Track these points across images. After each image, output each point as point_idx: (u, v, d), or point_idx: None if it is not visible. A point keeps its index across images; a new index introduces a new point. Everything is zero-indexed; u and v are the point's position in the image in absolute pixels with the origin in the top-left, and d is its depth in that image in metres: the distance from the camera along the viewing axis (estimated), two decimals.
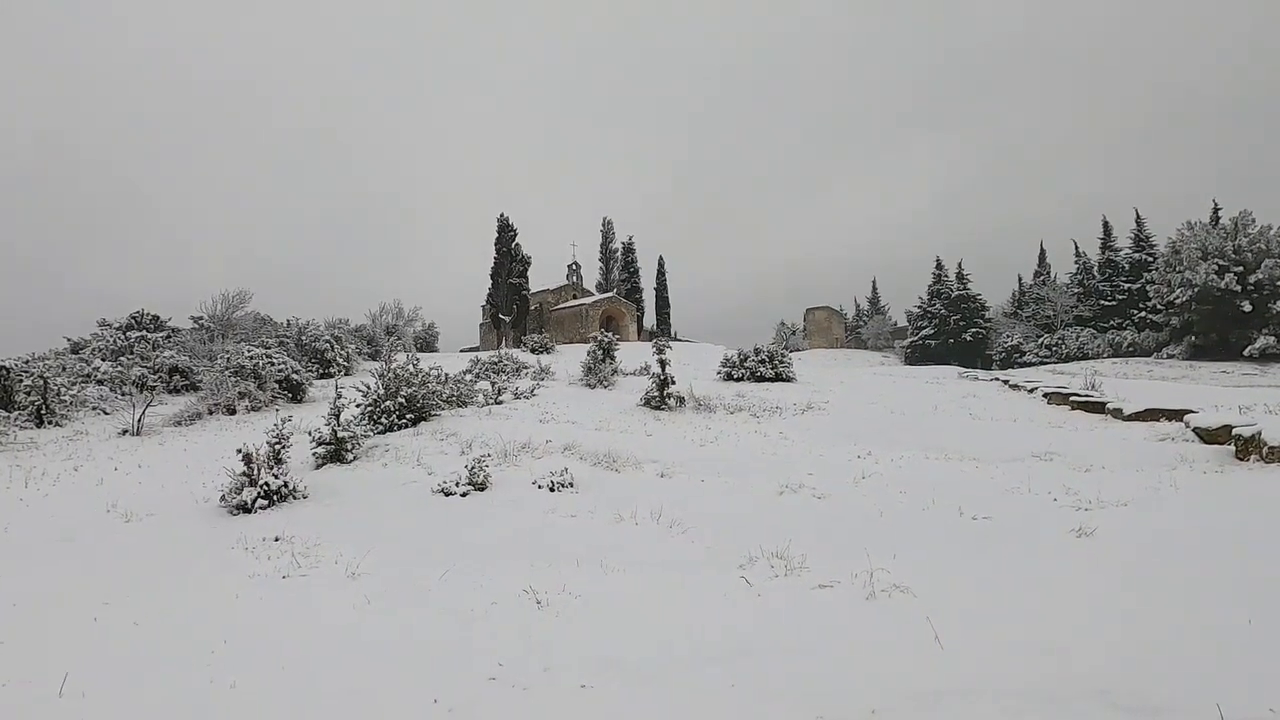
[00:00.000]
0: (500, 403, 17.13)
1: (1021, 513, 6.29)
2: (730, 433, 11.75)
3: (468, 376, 20.99)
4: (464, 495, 8.38)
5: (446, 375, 17.38)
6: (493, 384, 17.41)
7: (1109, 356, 48.91)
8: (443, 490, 8.47)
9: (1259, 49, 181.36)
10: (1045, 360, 52.63)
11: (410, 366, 14.06)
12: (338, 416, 11.10)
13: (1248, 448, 7.94)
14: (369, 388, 13.52)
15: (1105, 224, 57.52)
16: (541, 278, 57.65)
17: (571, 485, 8.58)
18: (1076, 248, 60.35)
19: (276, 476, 8.50)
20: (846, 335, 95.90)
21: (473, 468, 8.68)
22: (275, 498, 8.40)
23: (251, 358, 19.70)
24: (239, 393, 18.31)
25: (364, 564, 5.40)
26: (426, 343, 52.55)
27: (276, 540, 6.51)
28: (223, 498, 8.36)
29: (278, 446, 8.85)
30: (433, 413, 14.06)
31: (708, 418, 13.54)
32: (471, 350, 51.65)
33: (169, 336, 27.79)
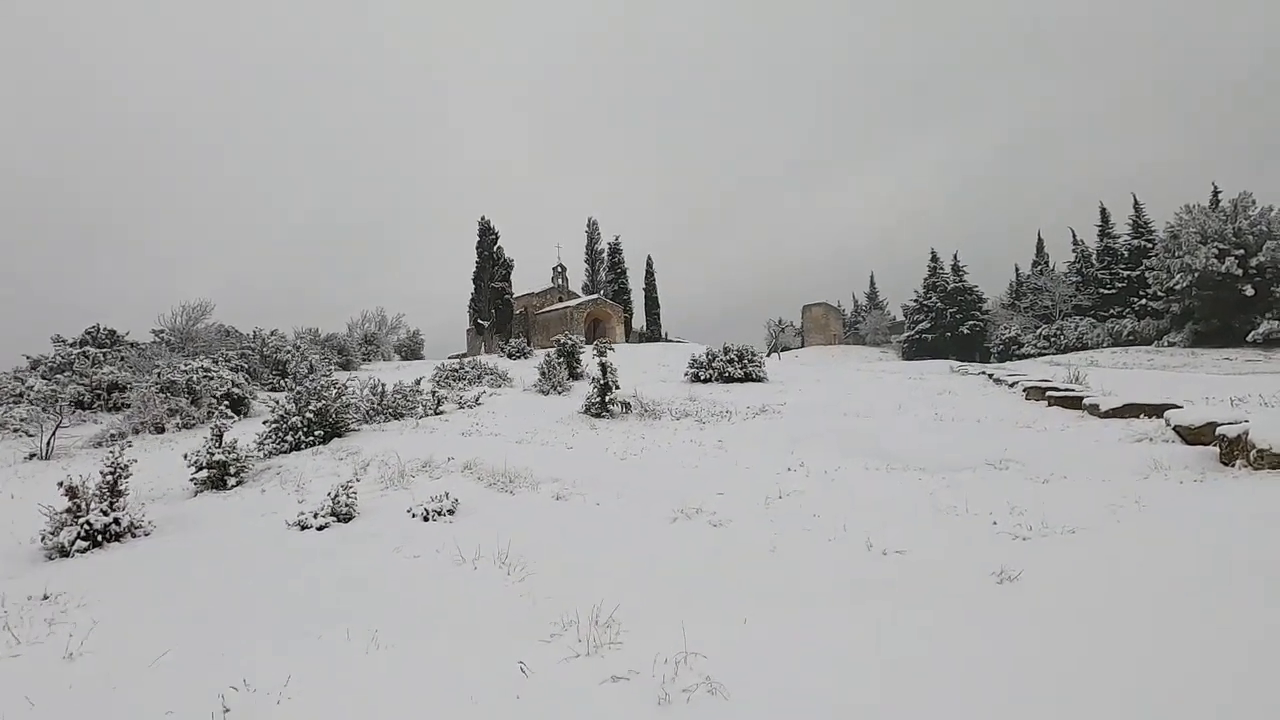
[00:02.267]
0: (440, 413, 16.00)
1: (945, 544, 5.08)
2: (663, 443, 10.57)
3: (424, 385, 19.90)
4: (321, 528, 7.22)
5: (384, 387, 16.29)
6: (433, 394, 16.25)
7: (1109, 346, 47.50)
8: (299, 523, 7.32)
9: (1255, 33, 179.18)
10: (1044, 352, 51.23)
11: (324, 379, 12.94)
12: (220, 438, 9.96)
13: (1233, 450, 6.71)
14: (278, 403, 12.41)
15: (1103, 210, 56.09)
16: (533, 282, 56.63)
17: (451, 513, 7.42)
18: (1074, 236, 59.01)
19: (106, 512, 7.35)
20: (845, 331, 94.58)
21: (336, 496, 7.52)
22: (104, 537, 7.26)
23: (185, 372, 18.62)
24: (168, 410, 17.25)
25: (93, 639, 4.25)
26: (412, 350, 51.51)
27: (45, 599, 5.37)
28: (43, 538, 7.23)
29: (112, 477, 7.69)
30: (350, 428, 12.93)
31: (648, 425, 12.35)
32: (459, 356, 50.54)
33: (119, 351, 26.74)
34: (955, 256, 65.15)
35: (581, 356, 25.35)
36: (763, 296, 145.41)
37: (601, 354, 14.09)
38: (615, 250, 57.11)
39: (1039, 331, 53.18)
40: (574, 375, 22.21)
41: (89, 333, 27.67)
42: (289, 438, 11.78)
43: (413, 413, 15.84)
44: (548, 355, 19.90)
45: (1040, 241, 65.94)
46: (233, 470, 9.79)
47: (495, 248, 49.65)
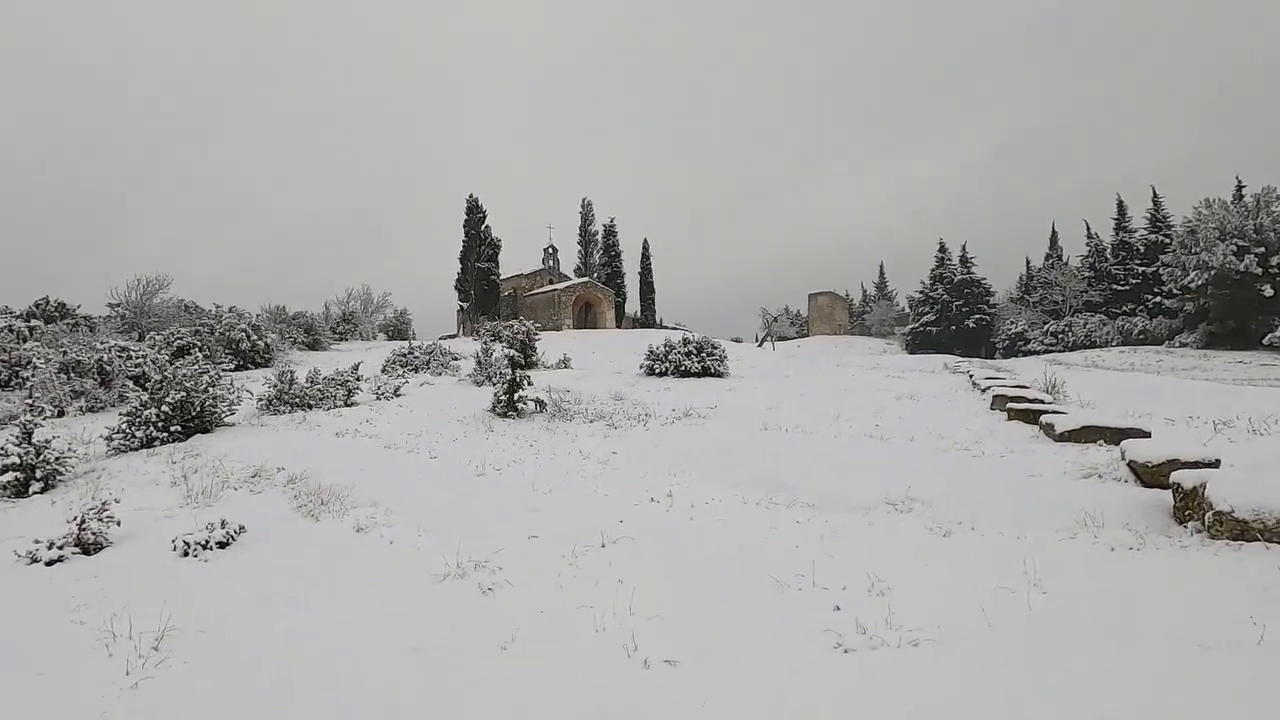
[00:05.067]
0: (351, 404, 14.67)
1: (742, 650, 3.62)
2: (544, 455, 9.13)
3: (364, 371, 18.60)
4: (53, 563, 5.89)
5: (292, 375, 14.96)
6: (344, 384, 14.90)
7: (1118, 345, 45.37)
8: (30, 555, 5.99)
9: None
10: (1050, 348, 49.16)
11: (192, 366, 11.60)
12: (29, 436, 8.65)
13: (1188, 504, 5.16)
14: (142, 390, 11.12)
15: (1119, 203, 53.54)
16: (529, 267, 54.80)
17: (222, 545, 6.05)
18: (1088, 229, 56.53)
19: None
20: (851, 322, 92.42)
21: (83, 520, 6.17)
22: None
23: (97, 351, 17.42)
24: (72, 391, 16.06)
25: None
26: (398, 330, 50.31)
27: None
28: None
29: None
30: (224, 422, 11.62)
31: (552, 430, 10.91)
32: (449, 337, 49.29)
33: (68, 324, 25.67)
34: (964, 248, 62.87)
35: (538, 344, 23.96)
36: (780, 285, 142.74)
37: (511, 345, 12.64)
38: (610, 232, 55.36)
39: (1046, 327, 51.02)
40: (528, 364, 20.87)
41: (37, 304, 26.61)
42: (139, 433, 10.47)
43: (323, 404, 14.53)
44: (483, 343, 18.44)
45: (1054, 233, 63.40)
46: (39, 474, 8.49)
47: (483, 226, 48.20)
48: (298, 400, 14.34)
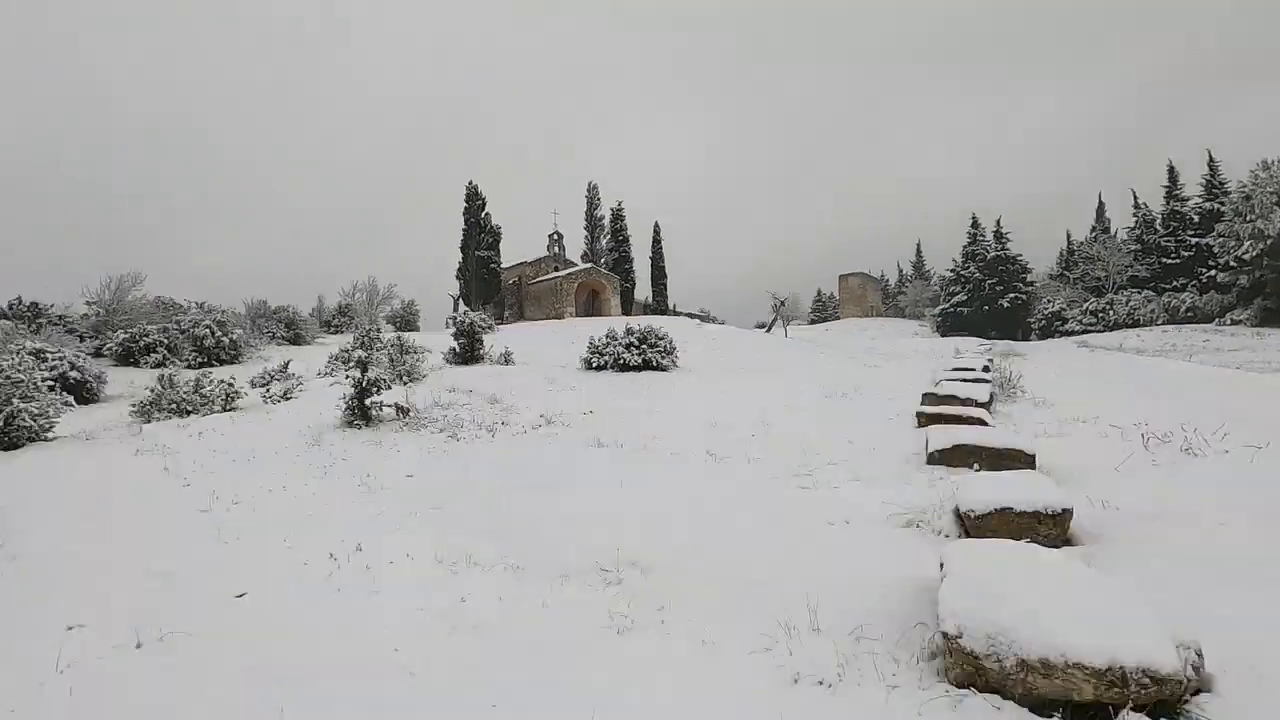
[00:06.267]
0: (232, 409, 13.57)
1: None
2: (331, 477, 7.73)
3: (293, 368, 17.66)
4: None
5: (170, 378, 13.96)
6: (222, 385, 13.81)
7: (1163, 323, 41.53)
8: None
9: None
10: (1089, 329, 45.47)
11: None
12: None
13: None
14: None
15: (1170, 169, 48.95)
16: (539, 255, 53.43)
17: None
18: (1135, 198, 52.05)
19: None
20: (886, 303, 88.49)
21: None
22: None
23: (10, 354, 16.84)
24: None
25: None
26: (406, 321, 49.82)
27: None
28: None
29: None
30: (44, 435, 10.59)
31: (378, 445, 9.50)
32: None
33: (38, 327, 25.55)
34: (998, 222, 58.90)
35: (485, 337, 22.61)
36: (826, 263, 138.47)
37: (362, 345, 11.24)
38: (618, 216, 53.58)
39: (1085, 306, 47.20)
40: (474, 358, 19.63)
41: (11, 304, 26.61)
42: None
43: (204, 409, 13.49)
44: (391, 340, 17.14)
45: (1101, 205, 58.86)
46: None
47: (483, 214, 47.17)
48: (174, 407, 13.33)
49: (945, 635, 2.84)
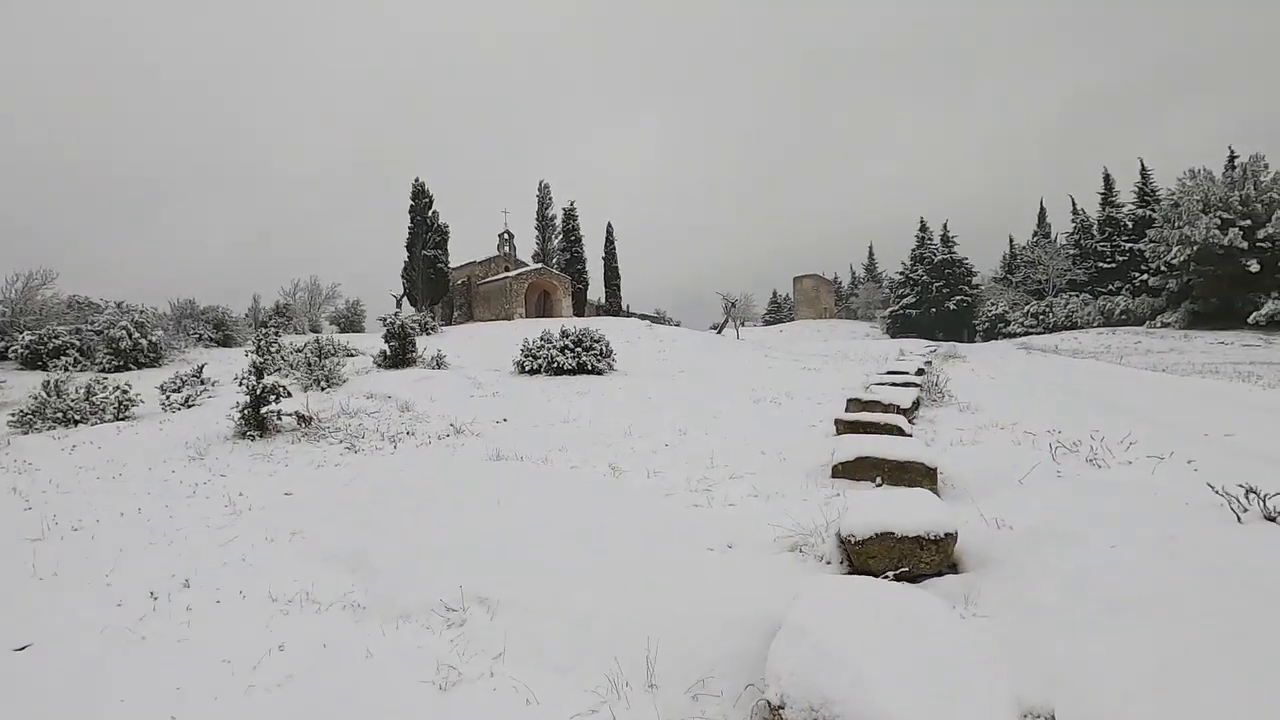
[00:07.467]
0: (125, 418, 12.60)
1: None
2: (191, 498, 7.03)
3: (207, 373, 16.62)
4: None
5: (55, 385, 12.93)
6: (115, 391, 12.82)
7: (1099, 325, 42.83)
8: None
9: None
10: (1030, 330, 46.68)
11: None
12: None
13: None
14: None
15: (1106, 176, 50.58)
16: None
17: None
18: (1074, 204, 53.64)
19: None
20: (839, 305, 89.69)
21: None
22: None
23: None
24: None
25: None
26: (350, 322, 48.35)
27: None
28: None
29: None
30: None
31: (267, 458, 8.79)
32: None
33: None
34: (945, 226, 60.09)
35: (421, 339, 21.82)
36: (783, 265, 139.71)
37: (259, 350, 10.48)
38: (570, 216, 52.85)
39: (1027, 309, 48.45)
40: (406, 361, 18.79)
41: None
42: None
43: (97, 416, 12.50)
44: (310, 343, 16.30)
45: (1042, 210, 60.55)
46: None
47: (430, 213, 45.90)
48: (60, 416, 12.31)
49: (769, 704, 2.43)
